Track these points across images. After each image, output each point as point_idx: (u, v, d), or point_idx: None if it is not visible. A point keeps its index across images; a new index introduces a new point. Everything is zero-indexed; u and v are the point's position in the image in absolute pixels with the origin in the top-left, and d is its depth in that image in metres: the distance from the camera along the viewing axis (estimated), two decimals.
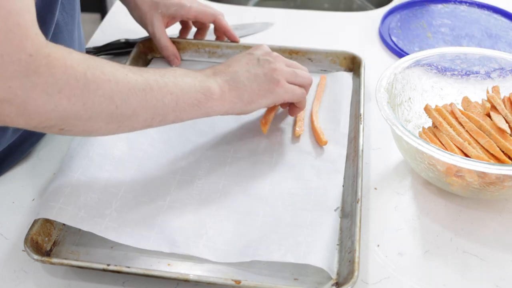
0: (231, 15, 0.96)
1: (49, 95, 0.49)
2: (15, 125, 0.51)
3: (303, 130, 0.75)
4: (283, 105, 0.75)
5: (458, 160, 0.59)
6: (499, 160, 0.64)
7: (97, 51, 0.91)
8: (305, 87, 0.72)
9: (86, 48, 0.89)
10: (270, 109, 0.76)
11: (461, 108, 0.72)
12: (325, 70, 0.88)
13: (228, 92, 0.65)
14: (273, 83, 0.67)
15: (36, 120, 0.50)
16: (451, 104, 0.72)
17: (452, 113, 0.70)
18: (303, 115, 0.78)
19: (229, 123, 0.77)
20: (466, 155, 0.65)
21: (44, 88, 0.48)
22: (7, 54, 0.46)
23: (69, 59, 0.51)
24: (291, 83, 0.69)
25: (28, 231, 0.58)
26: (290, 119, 0.78)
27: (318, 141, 0.73)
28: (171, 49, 0.86)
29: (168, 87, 0.60)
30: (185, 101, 0.61)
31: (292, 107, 0.73)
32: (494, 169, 0.58)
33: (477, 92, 0.77)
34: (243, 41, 0.92)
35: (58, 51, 0.50)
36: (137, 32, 0.93)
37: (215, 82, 0.64)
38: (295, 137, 0.75)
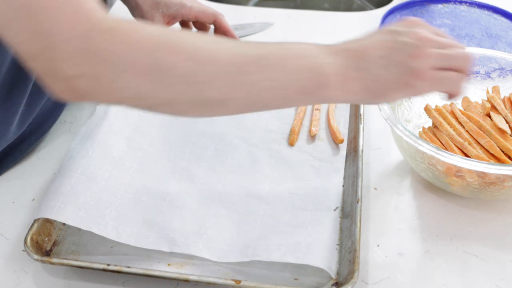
0: (231, 15, 0.96)
1: (116, 73, 0.45)
2: (101, 102, 0.48)
3: (319, 129, 0.76)
4: None
5: (458, 160, 0.59)
6: (499, 160, 0.64)
7: None
8: (462, 70, 0.55)
9: None
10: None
11: (461, 108, 0.72)
12: None
13: (351, 81, 0.52)
14: (411, 74, 0.52)
15: (114, 97, 0.47)
16: (451, 104, 0.72)
17: (452, 113, 0.70)
18: (319, 115, 0.78)
19: (229, 123, 0.77)
20: (466, 155, 0.65)
21: (108, 66, 0.45)
22: (62, 31, 0.43)
23: (136, 33, 0.45)
24: (442, 69, 0.53)
25: (28, 231, 0.58)
26: (290, 118, 0.78)
27: (334, 139, 0.74)
28: None
29: (269, 71, 0.49)
30: (291, 88, 0.50)
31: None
32: (494, 169, 0.58)
33: (477, 92, 0.77)
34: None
35: (122, 26, 0.45)
36: None
37: (335, 67, 0.51)
38: (311, 136, 0.75)
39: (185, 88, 0.47)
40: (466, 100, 0.73)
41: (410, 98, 0.58)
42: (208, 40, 0.49)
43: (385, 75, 0.52)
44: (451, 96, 0.56)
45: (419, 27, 0.54)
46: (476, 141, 0.66)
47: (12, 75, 0.62)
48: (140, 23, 0.48)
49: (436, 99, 0.75)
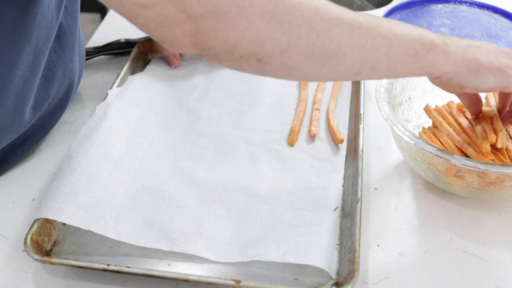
0: None
1: (240, 8, 0.45)
2: (217, 46, 0.47)
3: (318, 129, 0.76)
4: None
5: (458, 160, 0.59)
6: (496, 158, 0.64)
7: (97, 51, 0.91)
8: None
9: (86, 48, 0.89)
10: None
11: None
12: None
13: (454, 52, 0.56)
14: (506, 65, 0.57)
15: (231, 40, 0.46)
16: (448, 104, 0.72)
17: (451, 113, 0.70)
18: (319, 115, 0.78)
19: (229, 123, 0.77)
20: (466, 155, 0.65)
21: (233, 0, 0.45)
22: None
23: None
24: None
25: (28, 231, 0.58)
26: (290, 118, 0.78)
27: (334, 139, 0.74)
28: None
29: (380, 29, 0.52)
30: (400, 48, 0.53)
31: None
32: (494, 169, 0.58)
33: None
34: None
35: None
36: (137, 32, 0.93)
37: (439, 38, 0.55)
38: (311, 136, 0.75)
39: (305, 33, 0.48)
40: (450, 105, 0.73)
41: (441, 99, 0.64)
42: (325, 1, 0.51)
43: (485, 59, 0.56)
44: None
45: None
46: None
47: (25, 77, 0.63)
48: None
49: (436, 99, 0.75)
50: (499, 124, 0.65)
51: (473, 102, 0.65)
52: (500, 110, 0.67)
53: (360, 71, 0.53)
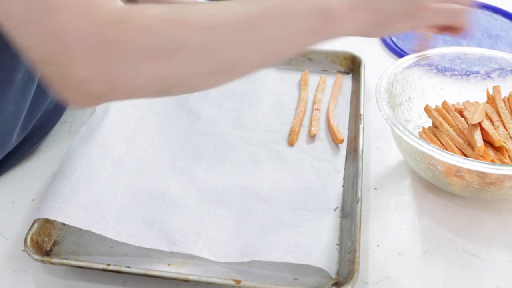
0: None
1: (132, 63, 0.45)
2: (116, 100, 0.47)
3: (318, 129, 0.76)
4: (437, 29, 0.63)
5: (458, 160, 0.59)
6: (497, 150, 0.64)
7: None
8: (463, 3, 0.59)
9: None
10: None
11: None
12: (325, 70, 0.88)
13: (356, 10, 0.53)
14: (417, 6, 0.55)
15: (131, 89, 0.47)
16: (443, 104, 0.72)
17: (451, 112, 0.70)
18: (319, 115, 0.78)
19: (229, 123, 0.77)
20: (466, 155, 0.65)
21: (125, 56, 0.44)
22: (76, 30, 0.43)
23: (145, 18, 0.45)
24: (444, 2, 0.58)
25: (28, 231, 0.58)
26: (290, 118, 0.78)
27: (334, 139, 0.74)
28: None
29: (275, 20, 0.50)
30: (299, 31, 0.51)
31: (449, 30, 0.61)
32: (494, 169, 0.58)
33: (477, 92, 0.77)
34: None
35: (131, 13, 0.45)
36: None
37: (339, 2, 0.53)
38: (311, 136, 0.75)
39: (200, 58, 0.47)
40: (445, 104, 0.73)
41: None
42: (210, 6, 0.49)
43: (391, 6, 0.54)
44: (456, 30, 0.59)
45: None
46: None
47: (24, 81, 0.63)
48: (146, 5, 0.48)
49: (436, 99, 0.75)
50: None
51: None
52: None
53: (267, 63, 0.52)
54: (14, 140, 0.67)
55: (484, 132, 0.65)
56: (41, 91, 0.68)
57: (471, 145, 0.65)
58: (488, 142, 0.66)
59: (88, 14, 0.43)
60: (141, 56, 0.45)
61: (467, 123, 0.68)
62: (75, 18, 0.43)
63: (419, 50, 0.67)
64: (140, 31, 0.45)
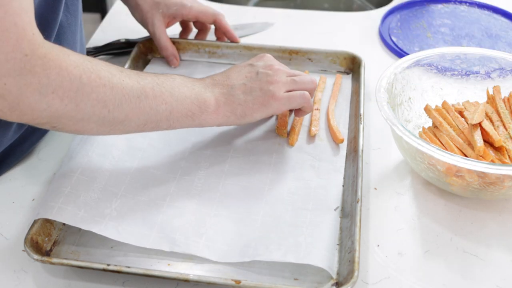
0: (231, 15, 0.96)
1: (42, 94, 0.50)
2: (8, 119, 0.52)
3: (318, 129, 0.76)
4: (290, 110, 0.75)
5: (458, 160, 0.59)
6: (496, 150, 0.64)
7: (97, 51, 0.91)
8: (308, 91, 0.70)
9: (86, 48, 0.89)
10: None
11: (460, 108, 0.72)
12: (325, 70, 0.88)
13: (223, 105, 0.65)
14: (268, 97, 0.66)
15: (28, 116, 0.52)
16: (443, 104, 0.72)
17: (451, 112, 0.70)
18: (319, 115, 0.78)
19: None
20: (466, 155, 0.65)
21: (37, 87, 0.50)
22: (3, 52, 0.47)
23: (66, 60, 0.51)
24: (291, 91, 0.69)
25: (28, 231, 0.58)
26: (290, 118, 0.78)
27: (335, 139, 0.74)
28: (170, 49, 0.86)
29: (164, 96, 0.60)
30: (180, 111, 0.62)
31: (297, 111, 0.73)
32: (494, 169, 0.58)
33: (477, 92, 0.77)
34: (243, 41, 0.92)
35: (55, 52, 0.51)
36: (137, 32, 0.93)
37: (212, 94, 0.65)
38: (311, 136, 0.75)
39: (97, 109, 0.55)
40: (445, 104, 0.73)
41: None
42: (118, 69, 0.58)
43: (248, 99, 0.66)
44: (301, 112, 0.72)
45: (270, 60, 0.71)
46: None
47: None
48: (68, 51, 0.53)
49: (436, 99, 0.75)
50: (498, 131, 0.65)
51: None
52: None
53: (143, 129, 0.61)
54: (10, 135, 0.67)
55: (484, 132, 0.65)
56: None
57: (471, 145, 0.65)
58: (488, 142, 0.66)
59: (18, 41, 0.48)
60: (53, 92, 0.51)
61: (467, 123, 0.68)
62: (6, 42, 0.47)
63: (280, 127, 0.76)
64: (58, 72, 0.51)
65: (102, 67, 0.56)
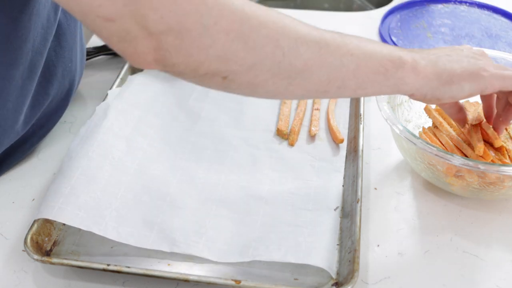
0: None
1: (204, 27, 0.44)
2: (180, 64, 0.46)
3: (318, 129, 0.76)
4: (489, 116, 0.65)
5: (458, 160, 0.59)
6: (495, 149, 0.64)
7: (97, 51, 0.91)
8: None
9: (87, 48, 0.89)
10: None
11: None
12: None
13: (424, 66, 0.54)
14: (479, 68, 0.56)
15: (195, 58, 0.45)
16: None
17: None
18: (319, 115, 0.78)
19: (229, 123, 0.77)
20: (466, 155, 0.65)
21: (197, 17, 0.44)
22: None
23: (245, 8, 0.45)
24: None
25: (28, 231, 0.58)
26: (290, 118, 0.78)
27: (335, 139, 0.74)
28: None
29: (348, 47, 0.51)
30: (369, 65, 0.52)
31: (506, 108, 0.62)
32: (494, 169, 0.58)
33: None
34: None
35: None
36: None
37: (408, 55, 0.54)
38: (311, 136, 0.75)
39: (271, 51, 0.47)
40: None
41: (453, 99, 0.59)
42: (293, 18, 0.50)
43: (457, 66, 0.55)
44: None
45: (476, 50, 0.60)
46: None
47: (23, 78, 0.63)
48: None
49: None
50: (490, 130, 0.65)
51: (455, 111, 0.64)
52: (487, 114, 0.65)
53: (328, 89, 0.51)
54: (12, 137, 0.67)
55: (484, 132, 0.65)
56: (42, 90, 0.68)
57: (471, 145, 0.65)
58: (488, 142, 0.66)
59: None
60: (217, 24, 0.44)
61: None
62: None
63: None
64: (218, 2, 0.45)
65: (266, 8, 0.48)
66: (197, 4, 0.43)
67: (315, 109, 0.79)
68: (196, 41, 0.44)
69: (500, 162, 0.64)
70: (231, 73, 0.47)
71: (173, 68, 0.46)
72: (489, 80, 0.57)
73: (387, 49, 0.53)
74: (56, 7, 0.65)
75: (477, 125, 0.66)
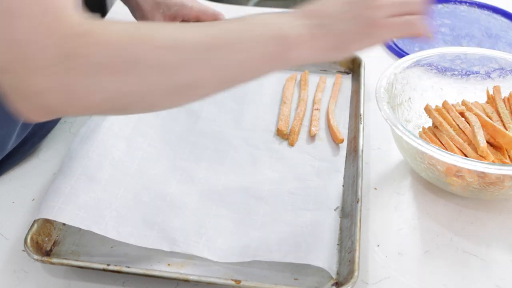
0: (231, 15, 0.96)
1: (91, 77, 0.44)
2: (71, 114, 0.46)
3: (318, 129, 0.76)
4: None
5: (458, 160, 0.59)
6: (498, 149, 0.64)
7: None
8: (416, 12, 0.58)
9: None
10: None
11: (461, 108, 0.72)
12: (325, 70, 0.88)
13: (315, 38, 0.54)
14: (371, 25, 0.56)
15: (86, 105, 0.46)
16: (443, 104, 0.72)
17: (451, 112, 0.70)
18: (319, 115, 0.78)
19: (229, 123, 0.77)
20: (466, 155, 0.65)
21: (83, 70, 0.44)
22: (40, 39, 0.43)
23: (106, 33, 0.45)
24: (397, 15, 0.57)
25: (28, 231, 0.58)
26: (290, 118, 0.78)
27: (335, 139, 0.74)
28: None
29: (234, 45, 0.50)
30: (257, 57, 0.52)
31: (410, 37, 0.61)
32: (494, 169, 0.58)
33: (477, 92, 0.77)
34: None
35: (95, 27, 0.45)
36: None
37: (297, 27, 0.53)
38: (311, 136, 0.75)
39: (159, 77, 0.47)
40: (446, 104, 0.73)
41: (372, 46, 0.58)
42: (173, 26, 0.50)
43: (346, 28, 0.54)
44: (415, 36, 0.59)
45: None
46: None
47: None
48: (110, 21, 0.48)
49: (436, 99, 0.75)
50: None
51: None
52: None
53: (224, 87, 0.52)
54: (13, 140, 0.67)
55: (485, 133, 0.65)
56: None
57: (471, 144, 0.65)
58: (488, 142, 0.66)
59: (52, 25, 0.43)
60: (101, 71, 0.45)
61: (467, 122, 0.68)
62: (39, 28, 0.43)
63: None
64: (102, 46, 0.45)
65: (154, 28, 0.49)
66: (82, 58, 0.44)
67: (315, 109, 0.79)
68: (83, 91, 0.45)
69: (500, 162, 0.64)
70: (125, 104, 0.48)
71: (63, 115, 0.46)
72: (380, 35, 0.57)
73: (274, 30, 0.52)
74: None
75: (480, 126, 0.66)
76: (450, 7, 1.09)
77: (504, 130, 0.65)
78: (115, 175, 0.66)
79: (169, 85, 0.48)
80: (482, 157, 0.64)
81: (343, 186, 0.68)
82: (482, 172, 0.60)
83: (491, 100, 0.73)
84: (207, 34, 0.50)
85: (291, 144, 0.74)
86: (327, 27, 0.54)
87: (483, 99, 0.75)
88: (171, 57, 0.47)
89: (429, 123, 0.73)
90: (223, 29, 0.51)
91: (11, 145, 0.67)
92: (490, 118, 0.69)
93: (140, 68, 0.46)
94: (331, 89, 0.84)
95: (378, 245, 0.62)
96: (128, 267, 0.55)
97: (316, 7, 0.56)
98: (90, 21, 0.46)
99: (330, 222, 0.62)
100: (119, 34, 0.46)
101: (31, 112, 0.46)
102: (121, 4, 0.91)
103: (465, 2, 1.09)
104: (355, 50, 0.57)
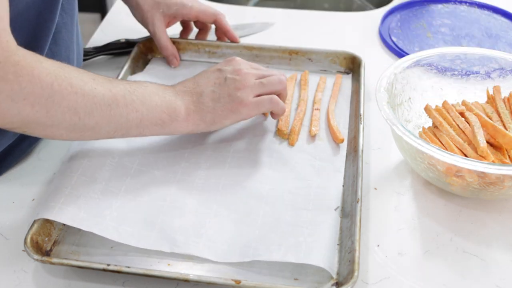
0: (231, 15, 0.96)
1: (14, 101, 0.51)
2: None
3: (319, 129, 0.76)
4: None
5: (458, 160, 0.59)
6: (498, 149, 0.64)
7: (97, 51, 0.91)
8: (278, 92, 0.71)
9: (86, 48, 0.89)
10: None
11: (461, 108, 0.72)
12: (325, 70, 0.88)
13: (193, 113, 0.66)
14: (236, 103, 0.67)
15: (1, 121, 0.53)
16: (443, 104, 0.72)
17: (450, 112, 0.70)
18: (319, 115, 0.78)
19: None
20: (466, 155, 0.65)
21: (9, 94, 0.51)
22: None
23: (38, 68, 0.52)
24: (260, 95, 0.69)
25: (28, 231, 0.58)
26: (290, 119, 0.78)
27: (335, 139, 0.74)
28: (170, 49, 0.86)
29: (135, 104, 0.61)
30: (150, 119, 0.62)
31: (272, 113, 0.72)
32: (494, 169, 0.58)
33: (477, 92, 0.77)
34: (243, 41, 0.92)
35: (28, 59, 0.52)
36: (137, 32, 0.93)
37: (182, 102, 0.65)
38: (311, 136, 0.75)
39: (67, 116, 0.55)
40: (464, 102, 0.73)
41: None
42: (90, 77, 0.58)
43: (217, 106, 0.66)
44: (274, 115, 0.72)
45: (239, 64, 0.70)
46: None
47: None
48: (41, 58, 0.54)
49: (436, 99, 0.75)
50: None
51: None
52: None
53: (113, 136, 0.61)
54: (10, 135, 0.67)
55: (485, 133, 0.65)
56: None
57: (471, 144, 0.65)
58: (488, 142, 0.66)
59: None
60: (25, 99, 0.52)
61: (467, 122, 0.68)
62: None
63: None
64: (30, 79, 0.52)
65: (75, 75, 0.56)
66: (12, 84, 0.51)
67: (315, 109, 0.79)
68: (3, 111, 0.52)
69: (500, 162, 0.64)
70: (30, 129, 0.56)
71: None
72: (246, 113, 0.68)
73: (166, 101, 0.64)
74: (54, 7, 0.65)
75: (480, 126, 0.66)
76: (450, 7, 1.09)
77: (504, 130, 0.65)
78: (115, 175, 0.66)
79: (73, 124, 0.56)
80: (482, 157, 0.64)
81: (343, 186, 0.68)
82: (482, 172, 0.60)
83: (491, 100, 0.73)
84: (113, 91, 0.59)
85: (291, 144, 0.74)
86: (202, 104, 0.66)
87: (483, 99, 0.75)
88: (83, 103, 0.56)
89: (429, 123, 0.73)
90: (126, 89, 0.61)
91: (7, 139, 0.67)
92: (490, 118, 0.69)
93: (57, 106, 0.54)
94: (331, 89, 0.84)
95: (378, 245, 0.62)
96: (128, 267, 0.56)
97: (194, 85, 0.68)
98: (24, 52, 0.52)
99: (330, 222, 0.62)
100: (48, 73, 0.53)
101: None
102: (121, 3, 0.91)
103: (465, 2, 1.09)
104: (225, 125, 0.68)
